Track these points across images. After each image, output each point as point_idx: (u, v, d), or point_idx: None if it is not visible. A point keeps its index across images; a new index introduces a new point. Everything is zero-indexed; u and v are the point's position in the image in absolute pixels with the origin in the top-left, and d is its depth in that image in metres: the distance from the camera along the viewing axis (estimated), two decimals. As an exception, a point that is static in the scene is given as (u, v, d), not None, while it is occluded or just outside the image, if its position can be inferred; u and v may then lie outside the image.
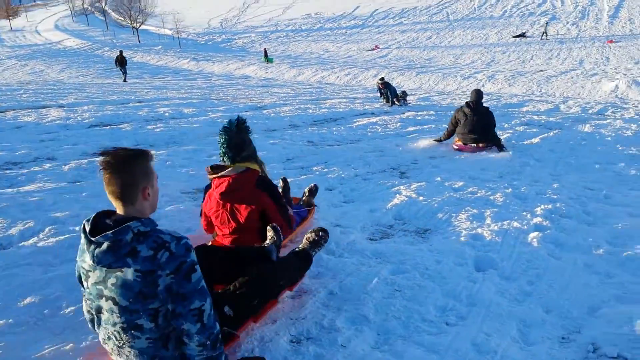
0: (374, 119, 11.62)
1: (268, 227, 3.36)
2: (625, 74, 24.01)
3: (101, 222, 2.10)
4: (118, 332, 2.14)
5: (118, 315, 2.09)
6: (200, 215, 3.79)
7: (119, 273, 2.03)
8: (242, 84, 26.13)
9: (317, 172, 6.63)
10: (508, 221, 4.69)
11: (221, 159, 3.56)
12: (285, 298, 3.19)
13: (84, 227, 2.09)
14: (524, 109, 15.25)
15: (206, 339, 2.13)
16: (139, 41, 59.27)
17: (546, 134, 9.77)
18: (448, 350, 2.76)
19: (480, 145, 8.30)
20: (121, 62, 27.46)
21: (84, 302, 2.32)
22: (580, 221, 4.82)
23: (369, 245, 4.12)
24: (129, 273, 2.02)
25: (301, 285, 3.29)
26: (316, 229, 3.39)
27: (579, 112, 14.46)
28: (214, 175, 3.50)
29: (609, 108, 15.33)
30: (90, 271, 2.12)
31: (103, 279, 2.08)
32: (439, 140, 8.81)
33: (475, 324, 2.99)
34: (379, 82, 15.58)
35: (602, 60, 29.31)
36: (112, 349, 2.23)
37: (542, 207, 5.11)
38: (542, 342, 2.87)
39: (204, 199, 3.71)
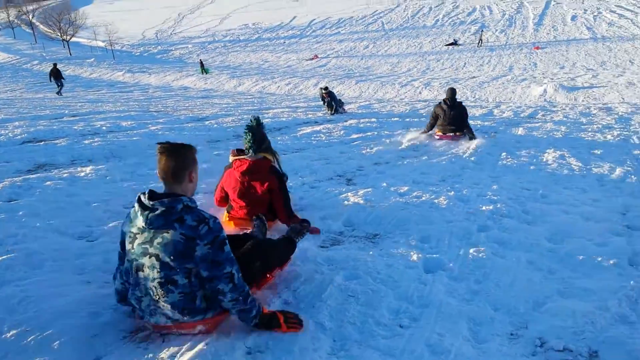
0: (317, 128, 11.70)
1: (254, 217, 4.28)
2: (552, 79, 25.35)
3: (154, 195, 2.62)
4: (155, 287, 2.62)
5: (158, 270, 2.58)
6: (215, 190, 4.89)
7: (165, 234, 2.54)
8: (181, 95, 25.67)
9: (264, 182, 6.60)
10: (453, 223, 4.83)
11: (247, 150, 4.62)
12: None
13: (140, 197, 2.63)
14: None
15: (238, 295, 2.68)
16: (70, 54, 57.13)
17: (482, 138, 10.15)
18: (403, 352, 2.81)
19: (458, 134, 9.96)
20: (56, 75, 26.41)
21: (118, 275, 2.85)
22: (521, 220, 5.04)
23: (321, 252, 4.14)
24: (175, 235, 2.53)
25: (255, 295, 3.27)
26: (299, 219, 4.37)
27: (512, 115, 15.13)
28: (237, 157, 4.63)
29: (539, 111, 16.13)
30: (139, 233, 2.62)
31: (150, 239, 2.58)
32: (425, 132, 10.31)
33: (428, 325, 3.06)
34: (323, 91, 15.69)
35: (530, 65, 30.80)
36: (145, 308, 2.71)
37: (484, 208, 5.30)
38: (492, 339, 2.97)
39: (222, 176, 4.76)
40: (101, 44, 59.96)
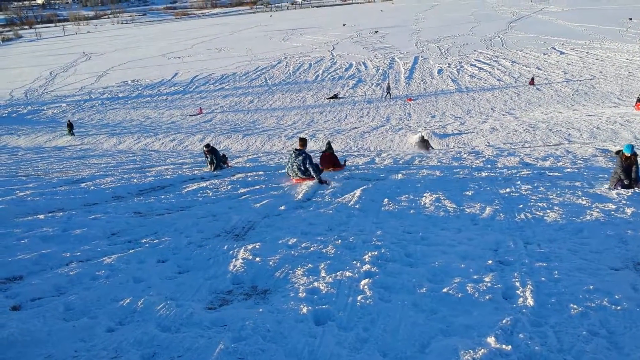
0: (204, 184, 11.46)
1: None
2: (425, 127, 27.21)
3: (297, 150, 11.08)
4: (294, 171, 11.00)
5: (297, 165, 10.91)
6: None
7: (299, 157, 10.83)
8: (54, 157, 24.06)
9: (147, 244, 6.27)
10: (341, 272, 4.89)
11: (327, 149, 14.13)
12: None
13: (294, 149, 11.21)
14: (345, 163, 16.34)
15: (316, 171, 10.94)
16: None
17: (366, 186, 10.51)
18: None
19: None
20: None
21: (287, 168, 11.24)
22: (404, 263, 5.23)
23: (207, 315, 3.97)
24: (302, 157, 10.81)
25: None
26: (325, 179, 11.08)
27: (392, 163, 15.94)
28: (325, 151, 14.52)
29: (416, 158, 17.16)
30: (293, 158, 10.99)
31: (295, 159, 10.91)
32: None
33: (320, 381, 3.02)
34: (205, 148, 15.45)
35: (405, 116, 32.94)
36: (293, 174, 11.08)
37: (370, 254, 5.44)
38: (383, 386, 2.99)
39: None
40: (-39, 105, 54.97)
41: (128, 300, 4.37)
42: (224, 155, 16.48)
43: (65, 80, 62.94)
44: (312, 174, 10.75)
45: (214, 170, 14.77)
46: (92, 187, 10.97)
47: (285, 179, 11.26)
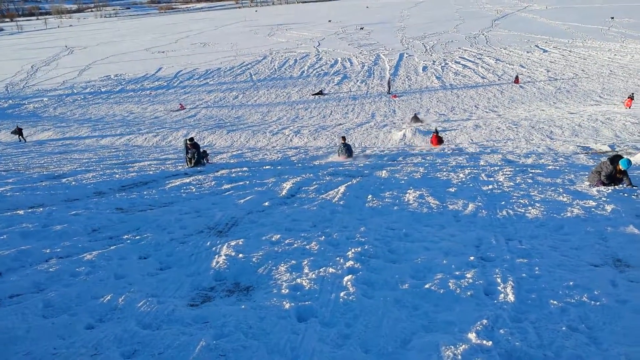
0: (187, 180, 11.39)
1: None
2: (410, 124, 27.28)
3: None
4: (343, 152, 17.40)
5: (346, 149, 17.39)
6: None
7: (346, 146, 17.66)
8: (35, 152, 23.73)
9: (129, 241, 6.21)
10: (324, 268, 4.89)
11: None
12: None
13: (343, 143, 17.94)
14: (329, 159, 16.35)
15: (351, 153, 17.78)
16: None
17: (350, 182, 10.53)
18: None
19: None
20: None
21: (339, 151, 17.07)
22: (387, 260, 5.24)
23: (189, 312, 3.94)
24: (347, 146, 17.81)
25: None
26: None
27: (376, 159, 15.98)
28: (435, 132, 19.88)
29: (400, 154, 17.22)
30: (343, 147, 17.52)
31: (344, 147, 17.50)
32: None
33: (302, 377, 3.01)
34: (188, 142, 15.29)
35: (390, 112, 32.99)
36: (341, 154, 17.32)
37: (353, 250, 5.45)
38: (365, 382, 3.00)
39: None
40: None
41: (109, 297, 4.33)
42: (204, 151, 16.37)
43: (47, 74, 62.03)
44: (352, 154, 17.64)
45: (193, 166, 14.63)
46: (74, 183, 10.84)
47: (334, 156, 17.38)
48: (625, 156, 9.56)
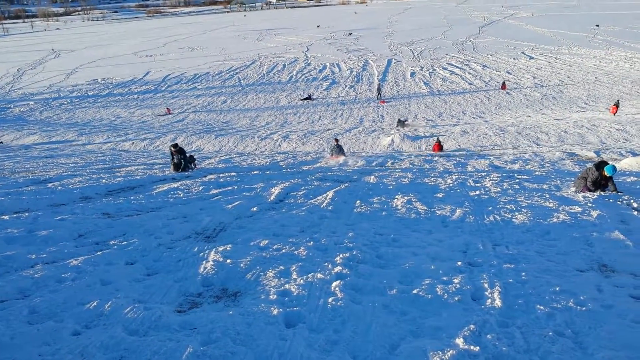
0: (175, 184, 11.33)
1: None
2: (398, 129, 27.41)
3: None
4: (335, 151, 18.85)
5: (338, 149, 18.86)
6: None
7: (338, 147, 19.42)
8: (21, 156, 23.47)
9: (115, 246, 6.16)
10: (312, 273, 4.89)
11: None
12: None
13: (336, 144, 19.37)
14: (318, 165, 16.36)
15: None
16: None
17: (338, 187, 10.53)
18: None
19: None
20: None
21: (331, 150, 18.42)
22: (375, 265, 5.25)
23: (176, 318, 3.92)
24: (339, 147, 19.45)
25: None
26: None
27: (364, 164, 16.01)
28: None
29: (389, 160, 17.29)
30: (336, 147, 18.96)
31: (337, 148, 19.15)
32: None
33: (290, 383, 3.00)
34: (172, 148, 15.10)
35: (378, 118, 33.13)
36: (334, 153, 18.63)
37: (341, 256, 5.45)
38: (353, 388, 3.00)
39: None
40: None
41: (95, 303, 4.29)
42: (191, 156, 16.29)
43: (33, 77, 61.48)
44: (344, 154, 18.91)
45: (180, 172, 14.53)
46: (60, 188, 10.75)
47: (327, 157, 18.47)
48: (610, 162, 9.66)
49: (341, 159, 18.09)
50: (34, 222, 7.25)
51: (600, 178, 9.39)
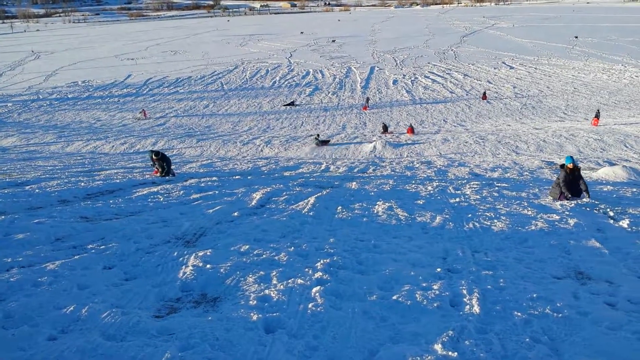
0: (155, 189, 11.22)
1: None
2: (380, 136, 27.56)
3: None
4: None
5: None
6: None
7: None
8: (-2, 158, 23.08)
9: (93, 250, 6.08)
10: (293, 279, 4.88)
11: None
12: None
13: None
14: (300, 170, 16.36)
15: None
16: None
17: (320, 193, 10.53)
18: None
19: None
20: None
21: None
22: (355, 271, 5.27)
23: (154, 323, 3.88)
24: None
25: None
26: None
27: (346, 171, 16.06)
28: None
29: (370, 166, 17.36)
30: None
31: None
32: None
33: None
34: (153, 156, 14.77)
35: (361, 124, 33.28)
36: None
37: (322, 261, 5.46)
38: (332, 394, 3.00)
39: None
40: None
41: (71, 308, 4.22)
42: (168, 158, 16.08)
43: (12, 79, 60.56)
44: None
45: (163, 176, 14.38)
46: (37, 190, 10.58)
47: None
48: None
49: (323, 147, 18.66)
50: (10, 225, 7.12)
51: (567, 175, 9.70)
